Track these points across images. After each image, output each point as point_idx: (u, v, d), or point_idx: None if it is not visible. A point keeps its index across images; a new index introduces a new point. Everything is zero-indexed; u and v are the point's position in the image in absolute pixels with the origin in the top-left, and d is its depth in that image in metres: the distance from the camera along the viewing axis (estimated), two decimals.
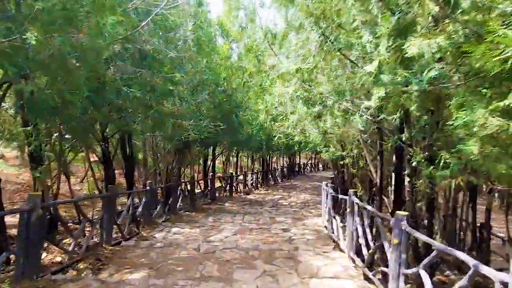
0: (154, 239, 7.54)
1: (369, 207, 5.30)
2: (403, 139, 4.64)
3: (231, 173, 17.10)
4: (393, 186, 5.39)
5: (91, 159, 10.21)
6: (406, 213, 3.88)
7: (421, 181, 4.54)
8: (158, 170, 11.32)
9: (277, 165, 28.12)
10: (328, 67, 5.07)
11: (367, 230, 5.19)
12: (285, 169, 27.92)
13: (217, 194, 15.29)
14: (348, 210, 6.02)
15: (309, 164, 37.83)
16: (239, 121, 12.52)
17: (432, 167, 3.92)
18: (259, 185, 20.97)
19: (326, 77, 5.34)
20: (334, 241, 7.49)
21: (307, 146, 13.20)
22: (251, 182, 20.00)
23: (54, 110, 5.26)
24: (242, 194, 17.48)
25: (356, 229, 5.63)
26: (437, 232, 6.36)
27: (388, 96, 3.47)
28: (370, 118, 5.07)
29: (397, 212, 3.97)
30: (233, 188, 16.96)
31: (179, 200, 11.16)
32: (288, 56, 5.85)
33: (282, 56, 6.18)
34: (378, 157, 5.85)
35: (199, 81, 8.48)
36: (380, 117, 4.74)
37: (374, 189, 7.56)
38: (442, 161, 3.60)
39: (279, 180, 25.23)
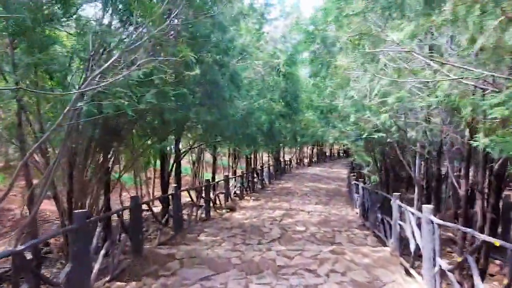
0: None
1: None
2: None
3: (208, 181, 11.02)
4: None
5: None
6: None
7: None
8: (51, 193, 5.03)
9: (262, 163, 22.30)
10: None
11: None
12: (271, 168, 22.19)
13: (186, 216, 9.27)
14: None
15: (294, 160, 32.40)
16: (234, 78, 5.90)
17: None
18: (244, 192, 15.09)
19: None
20: None
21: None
22: (235, 189, 14.05)
23: None
24: (224, 211, 11.49)
25: None
26: None
27: None
28: None
29: None
30: (211, 203, 10.96)
31: (102, 254, 5.03)
32: None
33: None
34: None
35: None
36: None
37: None
38: None
39: (267, 183, 19.48)
